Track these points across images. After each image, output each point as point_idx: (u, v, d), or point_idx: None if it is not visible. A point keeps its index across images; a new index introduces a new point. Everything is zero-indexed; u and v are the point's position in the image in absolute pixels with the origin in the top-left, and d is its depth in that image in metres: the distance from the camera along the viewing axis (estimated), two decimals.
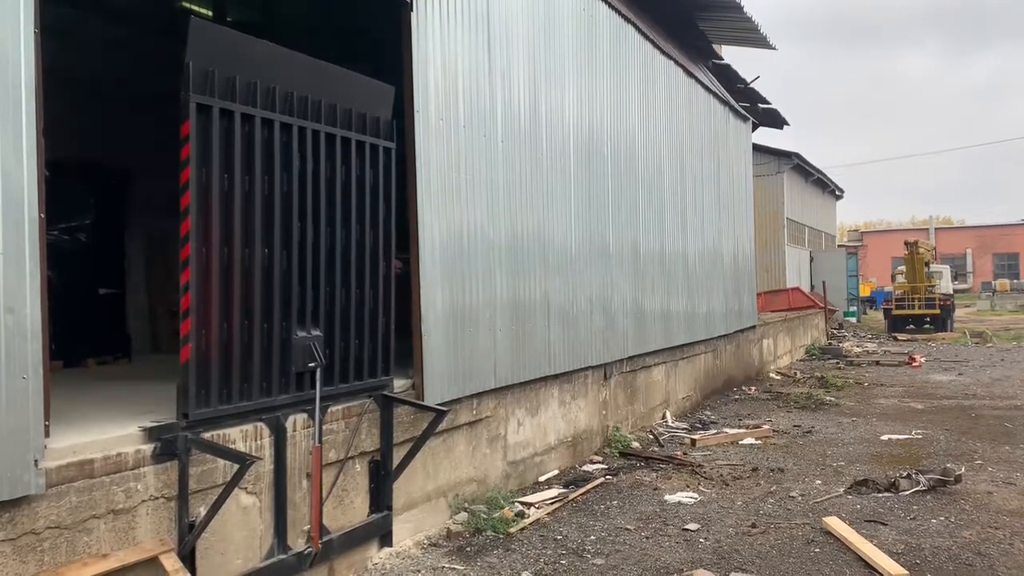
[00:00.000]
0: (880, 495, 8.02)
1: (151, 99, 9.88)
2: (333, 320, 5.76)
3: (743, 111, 17.54)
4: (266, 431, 5.27)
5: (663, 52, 12.64)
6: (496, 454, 7.99)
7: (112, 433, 4.48)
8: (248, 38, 5.19)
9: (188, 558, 4.62)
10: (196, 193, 4.72)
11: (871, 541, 6.51)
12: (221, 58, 4.84)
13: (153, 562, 4.41)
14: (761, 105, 18.69)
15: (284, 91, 5.27)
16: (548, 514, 7.51)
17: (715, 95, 15.49)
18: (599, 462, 9.66)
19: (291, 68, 5.38)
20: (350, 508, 6.05)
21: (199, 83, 4.70)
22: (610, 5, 10.70)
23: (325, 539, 5.55)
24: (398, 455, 6.37)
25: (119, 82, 9.93)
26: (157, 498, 4.53)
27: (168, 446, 4.61)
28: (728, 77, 16.43)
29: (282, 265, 5.30)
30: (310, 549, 5.40)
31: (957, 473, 8.19)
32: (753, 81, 17.08)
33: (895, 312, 32.34)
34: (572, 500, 7.96)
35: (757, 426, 11.82)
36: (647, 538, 6.89)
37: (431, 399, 6.73)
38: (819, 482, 8.67)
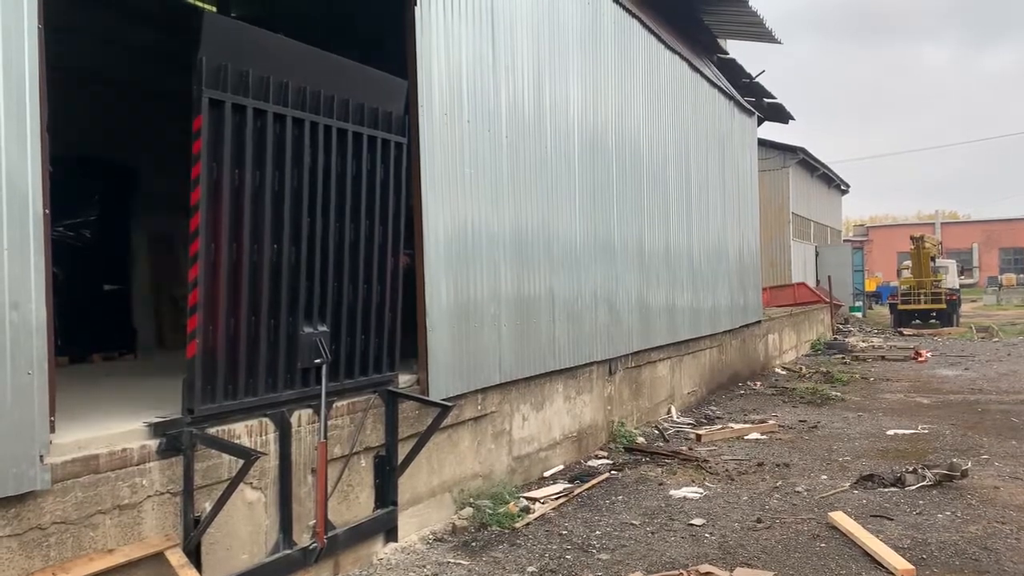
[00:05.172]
0: (886, 490, 8.00)
1: (158, 95, 9.92)
2: (340, 316, 5.75)
3: (748, 105, 17.49)
4: (271, 426, 5.27)
5: (668, 46, 12.60)
6: (501, 449, 7.98)
7: (117, 428, 4.48)
8: (262, 32, 5.16)
9: (193, 553, 4.63)
10: (206, 189, 4.69)
11: (877, 536, 6.49)
12: (234, 52, 4.80)
13: (158, 557, 4.41)
14: (766, 100, 18.61)
15: (297, 86, 5.23)
16: (553, 509, 7.50)
17: (720, 89, 15.44)
18: (604, 457, 9.66)
19: (304, 63, 5.34)
20: (355, 503, 6.05)
21: (212, 78, 4.66)
22: None
23: (330, 534, 5.55)
24: (403, 450, 6.37)
25: (126, 77, 9.94)
26: (162, 493, 4.54)
27: (173, 441, 4.61)
28: (733, 71, 16.37)
29: (291, 261, 5.28)
30: (315, 544, 5.40)
31: (963, 468, 8.16)
32: (758, 76, 17.01)
33: (901, 307, 32.26)
34: (577, 495, 7.96)
35: (762, 421, 11.80)
36: (652, 533, 6.88)
37: (436, 394, 6.73)
38: (825, 477, 8.66)
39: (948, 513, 7.26)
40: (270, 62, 5.04)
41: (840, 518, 6.92)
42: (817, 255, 37.03)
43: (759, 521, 7.12)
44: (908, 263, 34.44)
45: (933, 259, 33.30)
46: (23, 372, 3.91)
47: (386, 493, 6.29)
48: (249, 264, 4.99)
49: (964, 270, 44.89)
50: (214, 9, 11.25)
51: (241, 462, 4.70)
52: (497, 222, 7.78)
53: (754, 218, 17.72)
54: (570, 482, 8.44)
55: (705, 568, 5.89)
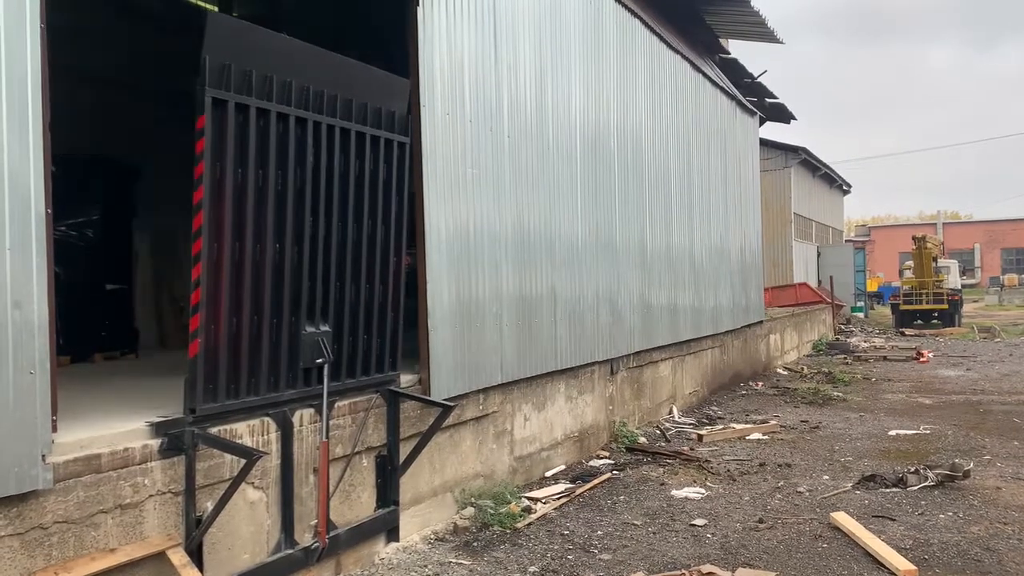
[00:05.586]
0: (888, 490, 7.99)
1: (161, 94, 9.93)
2: (342, 315, 5.74)
3: (750, 105, 17.48)
4: (273, 426, 5.27)
5: (669, 46, 12.60)
6: (503, 449, 7.98)
7: (119, 428, 4.48)
8: (266, 32, 5.15)
9: (195, 553, 4.63)
10: (209, 188, 4.68)
11: (879, 536, 6.49)
12: (238, 52, 4.80)
13: (160, 557, 4.41)
14: (768, 100, 18.62)
15: (300, 85, 5.22)
16: (555, 509, 7.50)
17: (722, 89, 15.43)
18: (606, 457, 9.65)
19: (307, 62, 5.33)
20: (357, 503, 6.05)
21: (215, 77, 4.66)
22: None
23: (332, 534, 5.55)
24: (405, 450, 6.37)
25: (127, 77, 9.94)
26: (164, 493, 4.54)
27: (175, 441, 4.61)
28: (735, 71, 16.36)
29: (293, 260, 5.28)
30: (317, 544, 5.40)
31: (965, 468, 8.16)
32: (760, 76, 17.01)
33: (903, 307, 32.25)
34: (579, 495, 7.96)
35: (764, 421, 11.80)
36: (654, 533, 6.88)
37: (437, 394, 6.73)
38: (826, 477, 8.65)
39: (950, 514, 7.25)
40: (273, 61, 5.03)
41: (842, 518, 6.92)
42: (819, 255, 37.02)
43: (761, 521, 7.12)
44: (910, 263, 34.42)
45: (935, 259, 33.27)
46: (25, 371, 3.91)
47: (388, 493, 6.29)
48: (251, 263, 4.98)
49: (966, 270, 44.91)
50: (216, 9, 11.25)
51: (243, 462, 4.70)
52: (499, 222, 7.78)
53: (756, 218, 17.71)
54: (572, 482, 8.44)
55: (707, 568, 5.89)
